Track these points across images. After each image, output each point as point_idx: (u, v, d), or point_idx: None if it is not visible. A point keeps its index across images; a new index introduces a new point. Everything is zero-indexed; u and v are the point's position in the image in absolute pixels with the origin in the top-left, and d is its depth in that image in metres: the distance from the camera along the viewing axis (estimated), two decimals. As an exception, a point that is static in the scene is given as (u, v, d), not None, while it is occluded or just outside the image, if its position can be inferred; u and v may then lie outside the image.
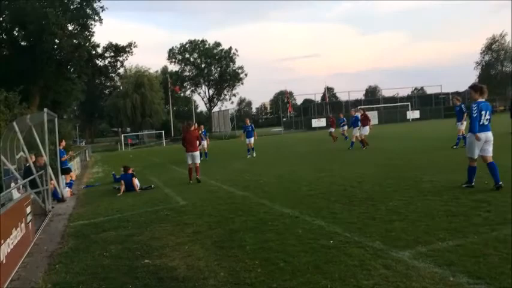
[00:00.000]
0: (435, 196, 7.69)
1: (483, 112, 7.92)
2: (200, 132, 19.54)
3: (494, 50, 79.39)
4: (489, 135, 8.03)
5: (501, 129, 23.19)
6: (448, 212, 6.48)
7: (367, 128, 19.87)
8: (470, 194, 7.54)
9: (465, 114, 15.73)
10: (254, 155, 20.72)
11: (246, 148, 21.24)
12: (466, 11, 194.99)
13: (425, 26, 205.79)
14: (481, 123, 7.92)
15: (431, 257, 4.62)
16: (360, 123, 20.15)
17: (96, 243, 6.68)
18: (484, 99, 8.06)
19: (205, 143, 21.45)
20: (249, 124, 21.35)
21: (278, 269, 4.73)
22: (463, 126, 15.84)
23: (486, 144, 8.01)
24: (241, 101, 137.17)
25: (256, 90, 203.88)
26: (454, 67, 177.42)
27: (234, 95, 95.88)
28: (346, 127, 28.67)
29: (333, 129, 28.16)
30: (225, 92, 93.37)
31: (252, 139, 20.86)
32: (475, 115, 7.88)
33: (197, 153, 13.20)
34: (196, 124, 15.89)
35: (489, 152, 8.02)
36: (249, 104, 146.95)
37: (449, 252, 4.71)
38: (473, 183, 8.22)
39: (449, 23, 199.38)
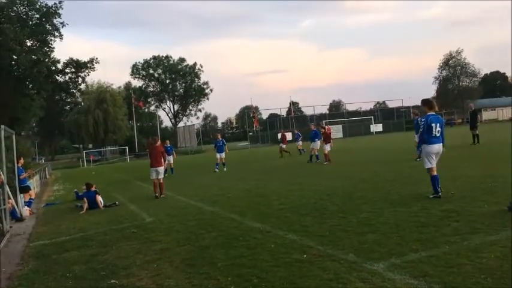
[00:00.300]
0: (404, 207, 7.73)
1: (433, 125, 8.27)
2: (165, 147, 19.51)
3: (451, 66, 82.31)
4: (440, 147, 8.43)
5: (464, 140, 23.94)
6: (418, 222, 6.51)
7: (329, 145, 19.65)
8: (438, 205, 7.62)
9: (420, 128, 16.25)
10: (225, 169, 20.69)
11: (214, 162, 21.10)
12: (422, 28, 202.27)
13: (384, 42, 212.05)
14: (433, 135, 8.28)
15: (405, 269, 4.58)
16: (319, 139, 20.33)
17: (58, 264, 6.33)
18: (434, 113, 8.45)
19: (171, 158, 21.31)
20: (220, 139, 21.58)
21: (252, 286, 4.58)
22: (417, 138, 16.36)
23: (437, 155, 8.46)
24: (207, 116, 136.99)
25: (221, 105, 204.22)
26: (413, 82, 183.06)
27: (200, 110, 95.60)
28: (301, 142, 29.03)
29: (284, 145, 27.80)
30: (190, 107, 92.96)
31: (223, 154, 21.14)
32: (422, 129, 8.39)
33: (161, 168, 13.20)
34: (159, 140, 15.71)
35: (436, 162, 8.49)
36: (215, 118, 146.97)
37: (423, 263, 4.68)
38: (440, 193, 8.35)
39: (406, 39, 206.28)
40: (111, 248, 7.01)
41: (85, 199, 11.93)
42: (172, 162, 21.58)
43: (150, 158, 13.31)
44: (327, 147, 19.51)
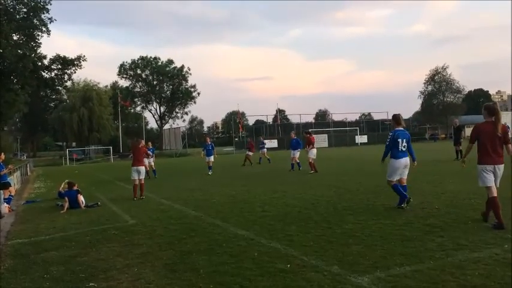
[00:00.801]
0: (389, 220, 7.73)
1: (399, 140, 8.60)
2: (148, 148, 19.41)
3: (436, 81, 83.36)
4: (407, 160, 8.78)
5: (447, 155, 24.18)
6: (403, 236, 6.50)
7: (314, 151, 19.10)
8: (422, 219, 7.63)
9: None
10: (210, 173, 20.96)
11: (202, 166, 21.76)
12: (409, 43, 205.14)
13: (371, 55, 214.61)
14: (399, 149, 8.62)
15: (390, 283, 4.55)
16: (301, 148, 20.51)
17: (36, 264, 6.16)
18: (401, 128, 8.83)
19: (152, 160, 21.04)
20: (209, 143, 22.42)
21: (234, 295, 4.51)
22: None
23: (405, 168, 8.82)
24: (193, 119, 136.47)
25: (208, 109, 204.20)
26: (399, 95, 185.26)
27: (186, 113, 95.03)
28: (265, 150, 28.85)
29: (250, 153, 27.65)
30: (177, 109, 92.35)
31: (212, 157, 21.74)
32: (387, 143, 8.73)
33: (143, 168, 13.39)
34: (143, 141, 15.95)
35: (405, 175, 8.90)
36: (201, 122, 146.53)
37: (408, 278, 4.66)
38: (408, 197, 8.69)
39: (394, 54, 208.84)
40: (91, 249, 6.86)
41: (66, 198, 11.71)
42: (153, 164, 21.47)
43: (133, 157, 13.57)
44: (311, 155, 19.00)
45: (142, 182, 13.16)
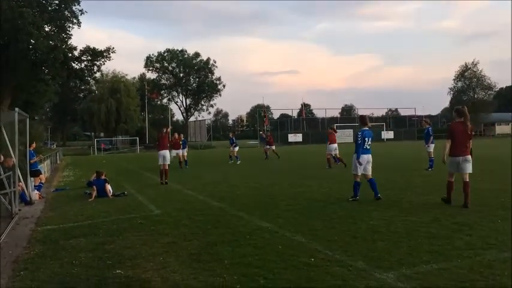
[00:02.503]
0: (415, 217, 7.62)
1: (366, 138, 9.54)
2: (180, 141, 22.05)
3: (467, 77, 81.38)
4: (370, 157, 9.69)
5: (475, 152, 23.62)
6: (430, 234, 6.40)
7: (333, 146, 19.07)
8: (450, 217, 7.50)
9: (431, 137, 16.34)
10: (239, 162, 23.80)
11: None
12: (438, 39, 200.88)
13: (399, 51, 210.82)
14: (364, 147, 9.53)
15: (416, 280, 4.49)
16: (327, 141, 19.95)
17: (65, 250, 6.31)
18: (367, 128, 9.78)
19: (185, 151, 22.55)
20: (231, 137, 26.30)
21: (258, 286, 4.52)
22: (430, 148, 16.51)
23: (368, 164, 9.65)
24: (218, 112, 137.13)
25: (233, 102, 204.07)
26: (427, 91, 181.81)
27: (212, 106, 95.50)
28: (237, 148, 26.16)
29: (272, 147, 27.50)
30: (203, 102, 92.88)
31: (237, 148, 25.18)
32: (359, 142, 9.51)
33: (167, 152, 14.61)
34: (176, 134, 18.98)
35: (369, 171, 9.70)
36: (226, 115, 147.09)
37: (434, 276, 4.59)
38: (358, 197, 9.59)
39: (421, 49, 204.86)
40: (118, 237, 6.99)
41: (94, 187, 11.95)
42: (186, 154, 22.61)
43: (160, 144, 14.84)
44: (329, 151, 19.00)
45: (167, 167, 14.37)
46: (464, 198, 8.44)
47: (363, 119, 10.12)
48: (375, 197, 9.54)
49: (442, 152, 8.79)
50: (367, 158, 9.62)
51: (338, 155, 19.40)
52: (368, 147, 9.61)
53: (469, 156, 8.59)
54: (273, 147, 27.62)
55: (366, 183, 9.80)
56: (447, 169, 8.88)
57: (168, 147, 14.71)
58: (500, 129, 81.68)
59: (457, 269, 4.77)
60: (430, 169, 15.88)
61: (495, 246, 5.63)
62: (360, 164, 9.53)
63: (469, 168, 8.56)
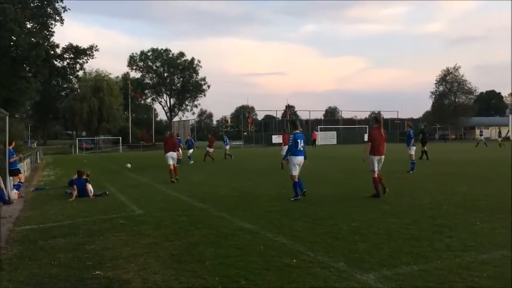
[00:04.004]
0: (396, 219, 7.69)
1: (299, 141, 10.12)
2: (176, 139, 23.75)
3: (448, 82, 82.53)
4: (303, 159, 10.28)
5: (456, 156, 23.95)
6: (410, 235, 6.46)
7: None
8: (430, 219, 7.59)
9: (412, 140, 16.71)
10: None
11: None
12: (423, 42, 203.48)
13: (384, 53, 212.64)
14: (298, 149, 10.12)
15: (396, 281, 4.53)
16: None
17: (44, 251, 6.22)
18: (299, 131, 10.43)
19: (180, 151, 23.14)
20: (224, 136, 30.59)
21: (240, 287, 4.51)
22: (411, 151, 16.94)
23: (299, 165, 10.26)
24: (203, 113, 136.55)
25: (217, 102, 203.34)
26: (410, 94, 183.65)
27: (196, 106, 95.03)
28: (192, 150, 27.10)
29: (210, 149, 27.50)
30: (187, 102, 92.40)
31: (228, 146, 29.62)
32: (291, 143, 10.21)
33: (174, 154, 15.70)
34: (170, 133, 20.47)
35: (298, 171, 10.26)
36: (210, 116, 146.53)
37: (415, 277, 4.63)
38: (299, 197, 10.09)
39: (406, 52, 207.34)
40: (99, 238, 6.91)
41: (75, 186, 11.79)
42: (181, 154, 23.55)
43: (166, 147, 15.79)
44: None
45: (176, 165, 15.73)
46: (382, 185, 10.20)
47: (293, 123, 11.00)
48: (295, 198, 10.10)
49: (363, 153, 10.46)
50: (300, 159, 10.22)
51: None
52: (301, 149, 10.18)
53: (383, 157, 10.37)
54: (211, 149, 27.56)
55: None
56: (369, 168, 10.33)
57: (174, 149, 15.77)
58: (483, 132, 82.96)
59: (437, 271, 4.83)
60: (411, 171, 16.06)
61: (474, 248, 5.71)
62: (295, 164, 10.15)
63: (380, 165, 10.32)
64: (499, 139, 45.98)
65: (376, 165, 10.19)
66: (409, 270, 4.87)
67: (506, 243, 5.91)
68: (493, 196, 9.97)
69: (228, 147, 30.36)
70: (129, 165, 21.98)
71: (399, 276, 4.69)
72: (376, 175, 10.19)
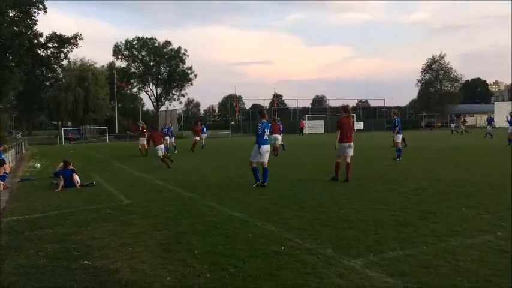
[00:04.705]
0: (383, 205, 7.78)
1: (265, 130, 10.59)
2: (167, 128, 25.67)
3: (434, 70, 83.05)
4: (268, 147, 10.76)
5: (441, 144, 24.18)
6: (397, 221, 6.54)
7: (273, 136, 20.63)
8: (416, 205, 7.69)
9: (397, 128, 17.00)
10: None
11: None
12: (408, 31, 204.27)
13: (370, 42, 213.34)
14: (264, 138, 10.54)
15: (383, 266, 4.59)
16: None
17: (31, 241, 6.17)
18: (266, 120, 10.78)
19: (173, 139, 25.93)
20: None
21: (228, 275, 4.53)
22: (397, 138, 17.05)
23: (266, 153, 10.64)
24: (190, 102, 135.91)
25: (205, 92, 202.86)
26: (396, 82, 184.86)
27: (183, 95, 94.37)
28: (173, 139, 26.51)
29: (197, 138, 27.08)
30: (174, 91, 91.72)
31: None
32: (259, 132, 10.50)
33: (162, 145, 17.05)
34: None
35: (266, 159, 10.64)
36: (198, 105, 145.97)
37: (401, 262, 4.70)
38: (259, 181, 10.50)
39: (392, 41, 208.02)
40: (86, 228, 6.87)
41: (61, 177, 11.68)
42: (174, 142, 25.77)
43: (156, 140, 16.70)
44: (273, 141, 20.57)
45: (166, 154, 17.22)
46: (346, 174, 10.82)
47: (261, 113, 11.36)
48: (262, 184, 10.46)
49: (334, 141, 11.16)
50: (266, 147, 10.64)
51: (277, 145, 20.98)
52: (267, 138, 10.65)
53: (352, 143, 11.06)
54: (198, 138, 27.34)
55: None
56: (336, 153, 11.16)
57: (162, 142, 16.98)
58: (469, 120, 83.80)
59: (423, 255, 4.90)
60: (398, 159, 16.20)
61: (459, 233, 5.80)
62: (261, 153, 10.49)
63: (351, 152, 11.06)
64: (453, 126, 46.20)
65: (345, 151, 10.96)
66: (395, 256, 4.93)
67: (490, 228, 6.02)
68: (477, 182, 10.12)
69: (204, 136, 29.11)
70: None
71: (386, 261, 4.75)
72: (339, 160, 11.03)
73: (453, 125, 46.08)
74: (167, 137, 24.52)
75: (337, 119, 11.80)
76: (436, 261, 4.69)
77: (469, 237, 5.62)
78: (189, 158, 20.56)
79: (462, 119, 48.56)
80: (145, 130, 23.71)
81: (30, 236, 6.48)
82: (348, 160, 11.01)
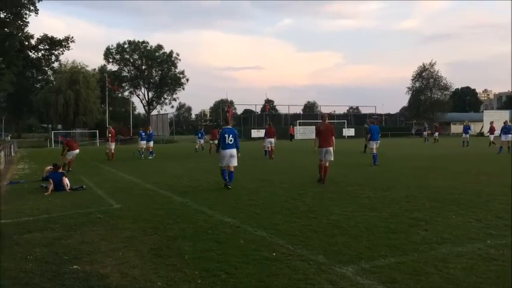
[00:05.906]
0: (374, 212, 7.80)
1: (226, 135, 11.24)
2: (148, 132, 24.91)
3: (424, 78, 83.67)
4: (233, 151, 11.33)
5: (430, 151, 24.31)
6: (388, 228, 6.56)
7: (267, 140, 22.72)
8: (407, 212, 7.72)
9: (369, 135, 17.74)
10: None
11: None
12: (399, 39, 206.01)
13: (360, 49, 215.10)
14: (226, 142, 11.20)
15: (374, 274, 4.59)
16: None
17: (19, 245, 6.09)
18: (229, 127, 11.65)
19: (151, 143, 24.86)
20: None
21: (220, 281, 4.51)
22: (370, 145, 17.47)
23: (231, 158, 11.25)
24: (181, 106, 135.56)
25: (196, 96, 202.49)
26: (387, 90, 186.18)
27: (174, 100, 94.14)
28: (151, 143, 25.74)
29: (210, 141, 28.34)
30: (165, 95, 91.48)
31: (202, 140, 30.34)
32: (219, 137, 11.50)
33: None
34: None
35: (232, 163, 11.30)
36: (189, 109, 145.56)
37: (392, 270, 4.71)
38: (227, 180, 11.19)
39: (383, 47, 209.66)
40: (76, 232, 6.80)
41: (51, 180, 11.57)
42: (151, 146, 24.87)
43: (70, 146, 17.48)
44: (266, 144, 22.82)
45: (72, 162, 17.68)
46: (323, 176, 11.75)
47: (225, 120, 12.97)
48: (226, 185, 11.14)
49: (312, 146, 12.18)
50: (229, 152, 11.24)
51: (271, 148, 22.17)
52: (230, 143, 11.24)
53: (331, 148, 11.88)
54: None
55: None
56: (320, 157, 11.95)
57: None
58: (455, 128, 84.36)
59: (413, 263, 4.92)
60: (374, 164, 16.51)
61: (449, 240, 5.83)
62: (223, 157, 11.20)
63: (330, 157, 11.90)
64: (425, 134, 46.60)
65: (323, 155, 11.80)
66: (386, 263, 4.94)
67: (480, 236, 6.06)
68: (466, 190, 10.19)
69: (202, 141, 30.71)
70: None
71: (377, 268, 4.76)
72: (322, 163, 11.85)
73: (425, 133, 46.35)
74: (143, 141, 24.79)
75: (316, 125, 12.96)
76: (427, 269, 4.70)
77: (459, 245, 5.65)
78: (181, 163, 20.48)
79: (437, 126, 48.79)
80: (110, 135, 23.33)
81: (19, 240, 6.41)
82: (327, 164, 11.85)
